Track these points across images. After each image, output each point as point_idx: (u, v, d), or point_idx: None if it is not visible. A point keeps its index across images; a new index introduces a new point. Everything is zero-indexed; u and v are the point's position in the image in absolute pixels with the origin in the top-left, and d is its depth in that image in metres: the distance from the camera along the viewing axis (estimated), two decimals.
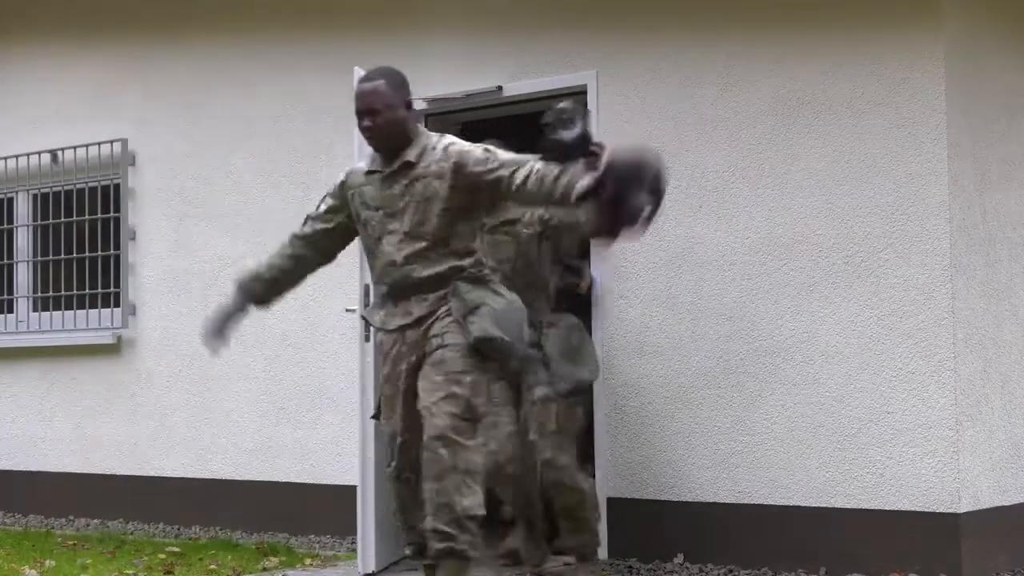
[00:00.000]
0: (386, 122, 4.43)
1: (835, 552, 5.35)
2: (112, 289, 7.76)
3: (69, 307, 7.98)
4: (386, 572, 5.79)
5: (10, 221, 8.34)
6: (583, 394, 5.44)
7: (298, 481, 6.93)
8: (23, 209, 8.27)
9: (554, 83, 6.15)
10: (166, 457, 7.45)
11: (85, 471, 7.78)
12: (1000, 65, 5.68)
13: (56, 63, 8.13)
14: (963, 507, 5.15)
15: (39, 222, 8.18)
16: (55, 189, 8.06)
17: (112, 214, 7.79)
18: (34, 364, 8.08)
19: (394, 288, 4.49)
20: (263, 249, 7.03)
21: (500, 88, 6.26)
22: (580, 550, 5.49)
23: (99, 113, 7.87)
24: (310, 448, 6.87)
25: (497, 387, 4.60)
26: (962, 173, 5.32)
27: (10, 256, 8.29)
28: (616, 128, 5.98)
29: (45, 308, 8.12)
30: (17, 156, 8.10)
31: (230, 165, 7.31)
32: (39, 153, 8.00)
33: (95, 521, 7.64)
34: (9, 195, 8.32)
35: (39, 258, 8.18)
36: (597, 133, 6.00)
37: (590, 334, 5.82)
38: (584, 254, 5.86)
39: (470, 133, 6.08)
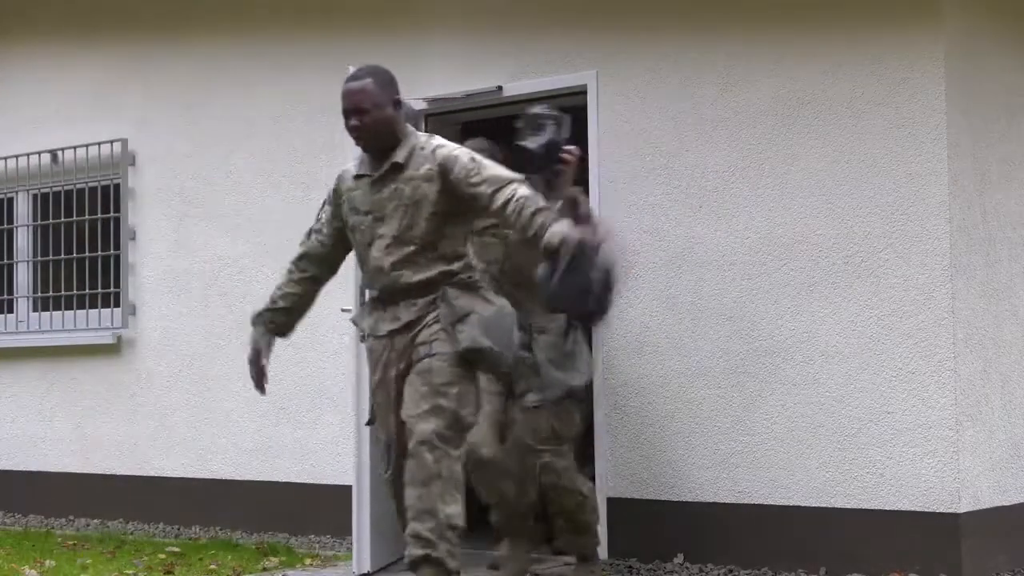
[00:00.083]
0: (374, 121, 4.38)
1: (835, 552, 5.35)
2: (112, 289, 7.76)
3: (69, 307, 7.98)
4: (382, 572, 5.79)
5: (10, 221, 8.34)
6: (576, 399, 5.39)
7: (298, 481, 6.93)
8: (23, 209, 8.27)
9: (554, 83, 6.15)
10: (166, 457, 7.45)
11: (85, 471, 7.78)
12: (1000, 65, 5.68)
13: (56, 63, 8.13)
14: (963, 507, 5.15)
15: (39, 222, 8.18)
16: (55, 189, 8.06)
17: (112, 214, 7.79)
18: (34, 364, 8.08)
19: (383, 293, 4.44)
20: (263, 249, 7.08)
21: (500, 88, 6.26)
22: (580, 551, 5.49)
23: (99, 113, 7.87)
24: (310, 448, 6.87)
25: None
26: (962, 173, 5.32)
27: (10, 256, 8.29)
28: (616, 128, 5.98)
29: (45, 308, 8.12)
30: (17, 156, 8.10)
31: (230, 165, 7.31)
32: (39, 153, 8.00)
33: (95, 521, 7.65)
34: (9, 195, 8.32)
35: (39, 258, 8.18)
36: (597, 133, 6.01)
37: (589, 335, 5.81)
38: None
39: (470, 133, 6.09)
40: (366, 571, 5.73)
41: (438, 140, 4.44)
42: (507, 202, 4.16)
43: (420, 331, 4.33)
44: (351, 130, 4.43)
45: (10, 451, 8.15)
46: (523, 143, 5.22)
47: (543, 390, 5.20)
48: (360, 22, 6.82)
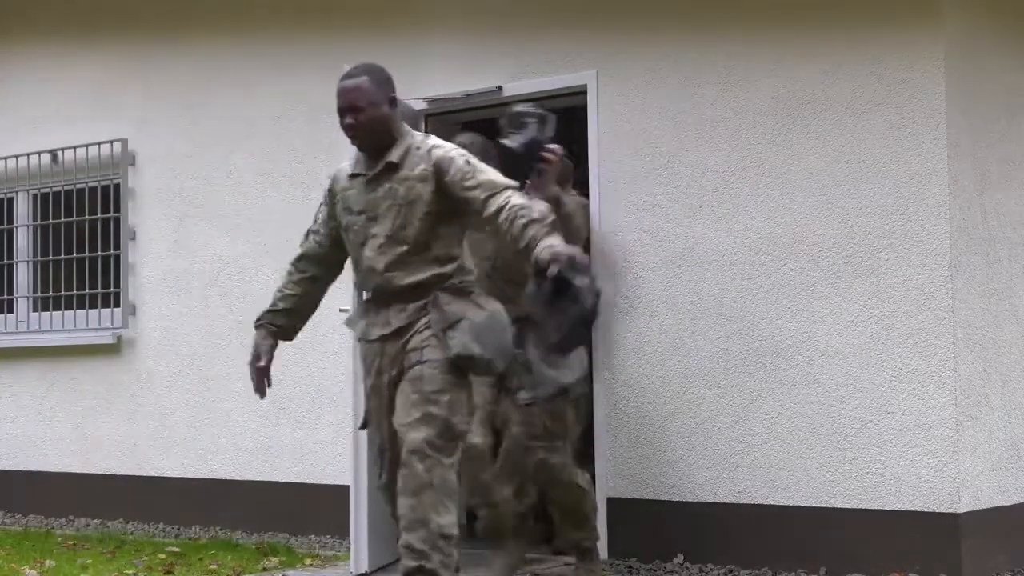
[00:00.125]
0: (369, 119, 4.33)
1: (835, 552, 5.35)
2: (112, 289, 7.76)
3: (69, 307, 7.98)
4: (380, 572, 5.79)
5: (10, 221, 8.34)
6: (570, 396, 5.35)
7: (298, 481, 6.93)
8: (23, 209, 8.27)
9: (554, 83, 6.15)
10: (166, 457, 7.45)
11: (85, 471, 7.78)
12: (1000, 65, 5.68)
13: (56, 63, 8.13)
14: (963, 507, 5.15)
15: (39, 222, 8.18)
16: (55, 189, 8.06)
17: (112, 214, 7.79)
18: (34, 364, 8.08)
19: (375, 295, 4.39)
20: (263, 249, 7.09)
21: (500, 88, 6.26)
22: (580, 545, 5.47)
23: (99, 113, 7.87)
24: (310, 448, 6.87)
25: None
26: (962, 173, 5.32)
27: (10, 256, 8.29)
28: (616, 128, 5.98)
29: (45, 308, 8.12)
30: (17, 156, 8.10)
31: (230, 165, 7.31)
32: (39, 153, 8.00)
33: (95, 521, 7.65)
34: (9, 195, 8.32)
35: (39, 258, 8.18)
36: (597, 133, 6.01)
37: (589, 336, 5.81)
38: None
39: (468, 131, 6.08)
40: (364, 571, 5.73)
41: (434, 140, 4.39)
42: (500, 209, 4.10)
43: (411, 337, 4.27)
44: (346, 128, 4.38)
45: (10, 451, 8.15)
46: (504, 141, 5.18)
47: (535, 388, 5.14)
48: (360, 22, 6.82)
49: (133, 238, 7.65)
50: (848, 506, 5.35)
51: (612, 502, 5.88)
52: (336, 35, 6.90)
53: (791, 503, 5.48)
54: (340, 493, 6.41)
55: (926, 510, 5.18)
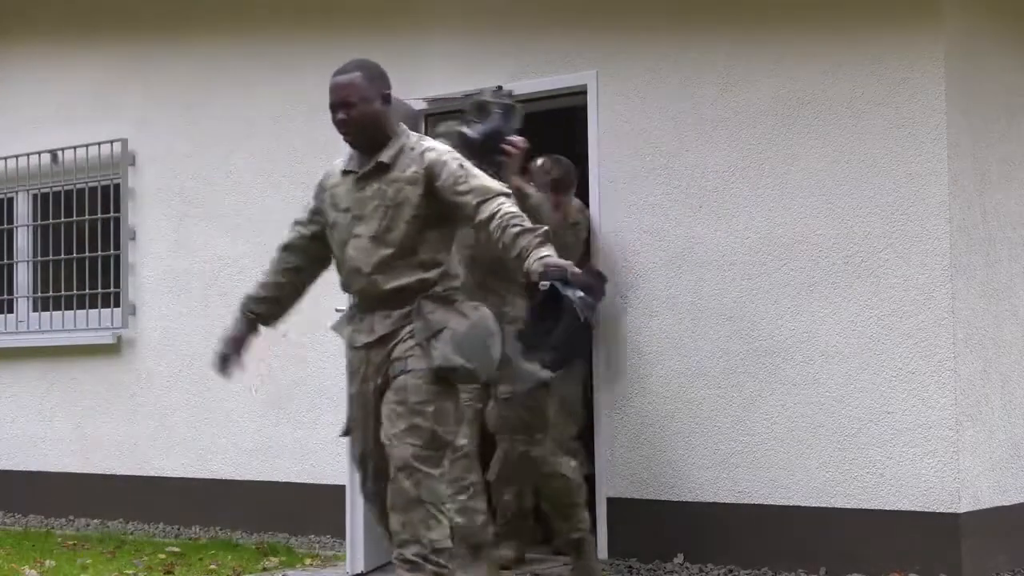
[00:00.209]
0: (361, 115, 4.25)
1: (835, 552, 5.35)
2: (112, 289, 7.76)
3: (69, 307, 7.98)
4: (377, 572, 5.78)
5: (10, 221, 8.34)
6: (555, 391, 5.32)
7: (298, 481, 6.93)
8: (23, 209, 8.27)
9: (554, 83, 6.15)
10: (166, 457, 7.45)
11: (85, 471, 7.78)
12: (1000, 65, 5.68)
13: (56, 63, 8.13)
14: (963, 507, 5.15)
15: (39, 222, 8.18)
16: (55, 189, 8.06)
17: (112, 214, 7.79)
18: (34, 364, 8.08)
19: (360, 299, 4.33)
20: (263, 249, 7.04)
21: (500, 88, 6.24)
22: (570, 538, 5.36)
23: (99, 113, 7.87)
24: (310, 448, 6.87)
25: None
26: (962, 173, 5.32)
27: (10, 256, 8.29)
28: (616, 128, 5.98)
29: (45, 308, 8.12)
30: (17, 156, 8.10)
31: (230, 165, 7.31)
32: (39, 153, 8.00)
33: (95, 521, 7.65)
34: (9, 195, 8.32)
35: (39, 258, 8.18)
36: (597, 133, 6.01)
37: (590, 340, 5.81)
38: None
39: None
40: (360, 571, 5.72)
41: (429, 142, 4.31)
42: (492, 216, 4.03)
43: (395, 346, 4.20)
44: (337, 124, 4.31)
45: (10, 451, 8.15)
46: (463, 130, 5.04)
47: (513, 382, 4.98)
48: (360, 22, 6.82)
49: (133, 238, 7.65)
50: (848, 506, 5.35)
51: (612, 502, 5.88)
52: (336, 35, 6.90)
53: (791, 503, 5.48)
54: (340, 493, 6.40)
55: (926, 510, 5.18)
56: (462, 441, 5.13)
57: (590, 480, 5.96)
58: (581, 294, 3.88)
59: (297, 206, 6.80)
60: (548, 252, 3.91)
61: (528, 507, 5.86)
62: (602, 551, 5.82)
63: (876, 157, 5.36)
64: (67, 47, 8.08)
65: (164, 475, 7.44)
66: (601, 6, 6.11)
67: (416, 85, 6.31)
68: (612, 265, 5.88)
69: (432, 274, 4.22)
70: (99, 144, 7.72)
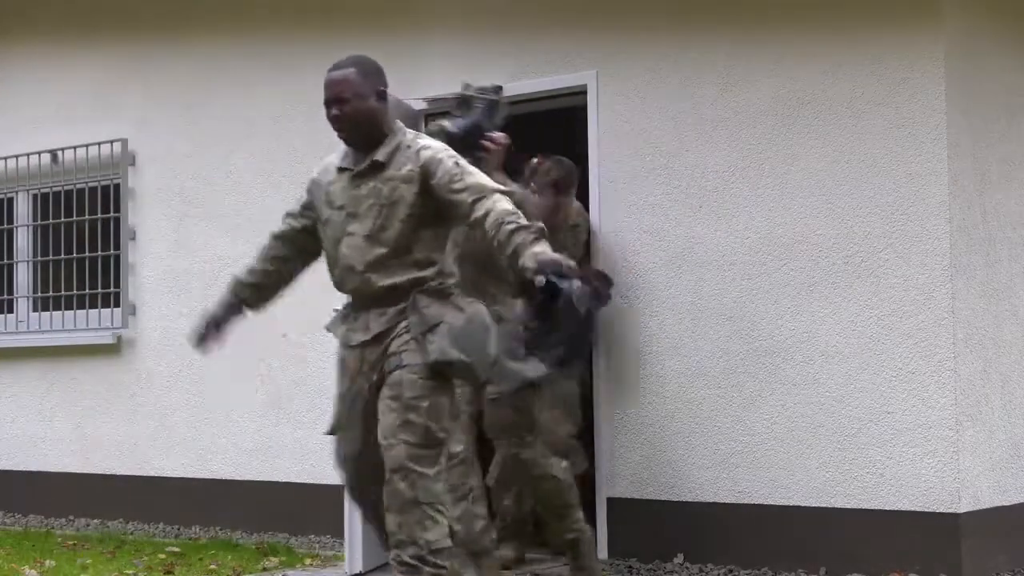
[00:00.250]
0: (355, 111, 4.21)
1: (835, 552, 5.35)
2: (112, 289, 7.76)
3: (69, 307, 7.98)
4: (376, 572, 5.77)
5: (10, 221, 8.34)
6: (544, 391, 5.24)
7: (298, 481, 6.92)
8: (23, 209, 8.28)
9: (554, 83, 6.15)
10: (166, 457, 7.45)
11: (85, 471, 7.78)
12: (1000, 65, 5.68)
13: (56, 63, 8.13)
14: (963, 507, 5.15)
15: (39, 222, 8.18)
16: (55, 189, 8.06)
17: (112, 214, 7.79)
18: (34, 364, 8.08)
19: (354, 296, 4.31)
20: None
21: (500, 88, 6.24)
22: (565, 539, 5.29)
23: (99, 113, 7.87)
24: (310, 448, 6.87)
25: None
26: (962, 173, 5.32)
27: (10, 256, 8.29)
28: (616, 128, 5.98)
29: (45, 308, 8.12)
30: (17, 156, 8.10)
31: (230, 165, 7.31)
32: (39, 153, 8.00)
33: (95, 521, 7.65)
34: (9, 195, 8.32)
35: (39, 258, 8.18)
36: (597, 133, 6.01)
37: (591, 345, 5.79)
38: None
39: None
40: (358, 571, 5.72)
41: (425, 140, 4.28)
42: (487, 214, 3.99)
43: (391, 341, 4.19)
44: (331, 120, 4.26)
45: (10, 451, 8.15)
46: (444, 123, 4.99)
47: (499, 382, 4.90)
48: (360, 22, 6.82)
49: (133, 238, 7.65)
50: (848, 506, 5.35)
51: (612, 502, 5.88)
52: (336, 35, 6.90)
53: (791, 503, 5.48)
54: (340, 493, 6.38)
55: (926, 510, 5.18)
56: (459, 447, 5.10)
57: (590, 480, 5.98)
58: (579, 283, 3.86)
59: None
60: (542, 248, 3.88)
61: (527, 509, 5.86)
62: (602, 551, 5.82)
63: (876, 157, 5.36)
64: (67, 47, 8.08)
65: (164, 475, 7.44)
66: (601, 6, 6.11)
67: (416, 85, 6.31)
68: (612, 265, 5.88)
69: (427, 273, 4.20)
70: (99, 144, 7.72)
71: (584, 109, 6.06)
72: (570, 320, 3.90)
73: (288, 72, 7.10)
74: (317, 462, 6.83)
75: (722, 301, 5.67)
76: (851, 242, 5.39)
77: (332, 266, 4.36)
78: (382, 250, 4.18)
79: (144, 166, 7.66)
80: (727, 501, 5.63)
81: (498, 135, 5.07)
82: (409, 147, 4.23)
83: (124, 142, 7.70)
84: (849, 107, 5.43)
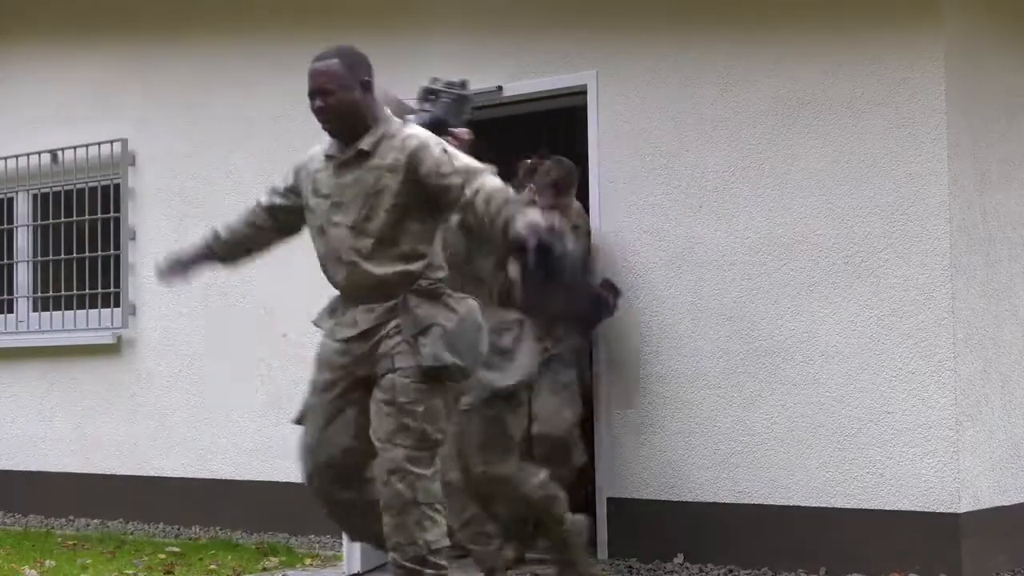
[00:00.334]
0: (338, 103, 4.15)
1: (835, 552, 5.35)
2: (112, 289, 7.76)
3: (69, 307, 7.98)
4: (375, 572, 5.77)
5: (10, 221, 8.34)
6: (514, 401, 5.02)
7: (298, 481, 6.86)
8: (23, 209, 8.27)
9: (554, 83, 6.15)
10: (166, 457, 7.45)
11: (85, 471, 7.78)
12: (1000, 65, 5.68)
13: (56, 63, 8.13)
14: (963, 507, 5.15)
15: (39, 222, 8.18)
16: (55, 189, 8.06)
17: (112, 214, 7.79)
18: (34, 364, 8.07)
19: (342, 290, 4.26)
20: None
21: (500, 88, 6.25)
22: (559, 541, 5.14)
23: (99, 113, 7.87)
24: None
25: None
26: (962, 173, 5.32)
27: (10, 256, 8.29)
28: (616, 128, 5.98)
29: (45, 308, 8.12)
30: (17, 156, 8.10)
31: (230, 165, 7.30)
32: (39, 153, 8.00)
33: (95, 521, 7.64)
34: (9, 195, 8.32)
35: (39, 258, 8.18)
36: (597, 133, 6.01)
37: (590, 347, 5.80)
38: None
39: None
40: (357, 571, 5.72)
41: (411, 129, 4.21)
42: (478, 192, 3.96)
43: (381, 341, 4.12)
44: (315, 112, 4.21)
45: (10, 451, 8.15)
46: (407, 116, 4.77)
47: (472, 392, 4.72)
48: (360, 22, 6.82)
49: (133, 238, 7.65)
50: (848, 506, 5.35)
51: (612, 502, 5.88)
52: (336, 35, 6.83)
53: (791, 503, 5.48)
54: None
55: (926, 510, 5.18)
56: (455, 474, 5.00)
57: (590, 479, 5.98)
58: (569, 244, 3.84)
59: None
60: (531, 213, 3.89)
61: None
62: (602, 551, 5.82)
63: (876, 157, 5.36)
64: (67, 47, 8.08)
65: (164, 475, 7.44)
66: (601, 6, 6.11)
67: (416, 85, 6.29)
68: (612, 265, 5.88)
69: (415, 266, 4.14)
70: (99, 144, 7.72)
71: (584, 109, 6.06)
72: (564, 271, 3.90)
73: (288, 72, 7.07)
74: None
75: (722, 301, 5.67)
76: (851, 242, 5.39)
77: (320, 256, 4.31)
78: (367, 240, 4.12)
79: (144, 166, 7.65)
80: (727, 501, 5.63)
81: (461, 130, 4.97)
82: (395, 136, 4.17)
83: (124, 142, 7.70)
84: (849, 107, 5.43)
